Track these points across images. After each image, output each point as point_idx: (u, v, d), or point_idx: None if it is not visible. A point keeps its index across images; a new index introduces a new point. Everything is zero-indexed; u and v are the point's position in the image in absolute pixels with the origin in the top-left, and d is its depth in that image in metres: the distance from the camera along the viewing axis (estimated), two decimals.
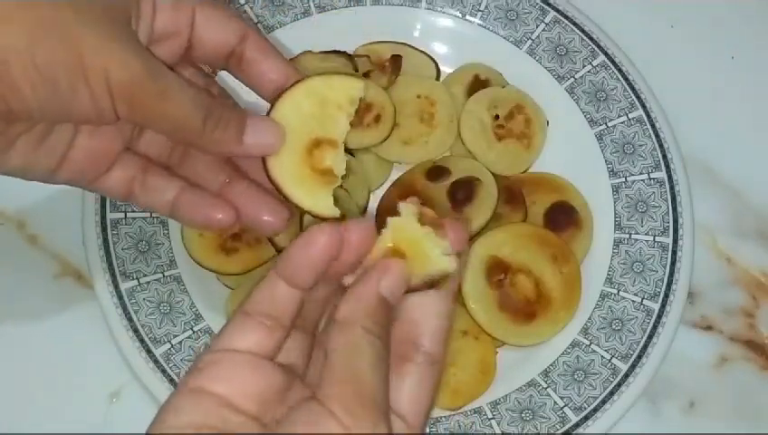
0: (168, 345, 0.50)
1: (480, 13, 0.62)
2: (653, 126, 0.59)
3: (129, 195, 0.42)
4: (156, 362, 0.49)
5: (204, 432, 0.29)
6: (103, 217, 0.52)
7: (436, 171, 0.57)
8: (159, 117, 0.37)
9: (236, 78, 0.43)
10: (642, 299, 0.54)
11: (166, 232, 0.53)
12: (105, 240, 0.52)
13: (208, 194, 0.42)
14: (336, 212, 0.41)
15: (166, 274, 0.52)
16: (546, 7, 0.62)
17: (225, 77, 0.44)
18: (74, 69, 0.34)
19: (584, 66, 0.61)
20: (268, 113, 0.41)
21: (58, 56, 0.34)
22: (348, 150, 0.49)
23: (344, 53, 0.59)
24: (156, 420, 0.30)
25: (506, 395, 0.51)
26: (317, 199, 0.41)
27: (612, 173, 0.58)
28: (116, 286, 0.51)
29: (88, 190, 0.49)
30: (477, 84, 0.61)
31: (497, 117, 0.59)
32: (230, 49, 0.41)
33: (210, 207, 0.41)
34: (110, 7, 0.36)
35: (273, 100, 0.41)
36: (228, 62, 0.42)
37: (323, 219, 0.41)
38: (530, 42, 0.61)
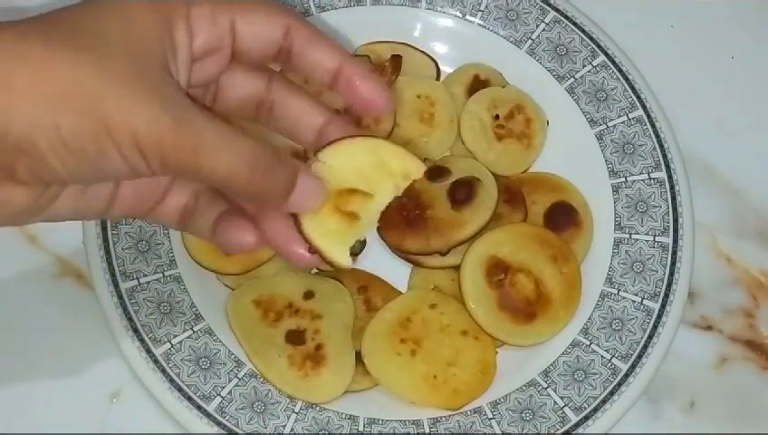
0: (168, 345, 0.50)
1: (480, 13, 0.62)
2: (653, 126, 0.59)
3: (184, 223, 0.41)
4: (156, 362, 0.49)
5: None
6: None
7: (436, 171, 0.57)
8: (195, 173, 0.35)
9: (289, 71, 0.41)
10: (642, 299, 0.54)
11: (166, 232, 0.53)
12: (105, 240, 0.52)
13: (243, 218, 0.40)
14: (349, 263, 0.39)
15: (166, 274, 0.52)
16: (546, 7, 0.62)
17: None
18: (100, 135, 0.33)
19: (584, 66, 0.61)
20: (317, 153, 0.38)
21: (83, 126, 0.32)
22: None
23: None
24: None
25: (506, 395, 0.51)
26: (332, 242, 0.38)
27: (612, 173, 0.58)
28: (116, 286, 0.51)
29: (148, 222, 0.51)
30: (477, 84, 0.61)
31: (497, 117, 0.59)
32: (276, 48, 0.39)
33: (239, 229, 0.40)
34: (138, 52, 0.34)
35: (321, 146, 0.39)
36: (278, 58, 0.40)
37: (330, 263, 0.39)
38: (530, 42, 0.61)
